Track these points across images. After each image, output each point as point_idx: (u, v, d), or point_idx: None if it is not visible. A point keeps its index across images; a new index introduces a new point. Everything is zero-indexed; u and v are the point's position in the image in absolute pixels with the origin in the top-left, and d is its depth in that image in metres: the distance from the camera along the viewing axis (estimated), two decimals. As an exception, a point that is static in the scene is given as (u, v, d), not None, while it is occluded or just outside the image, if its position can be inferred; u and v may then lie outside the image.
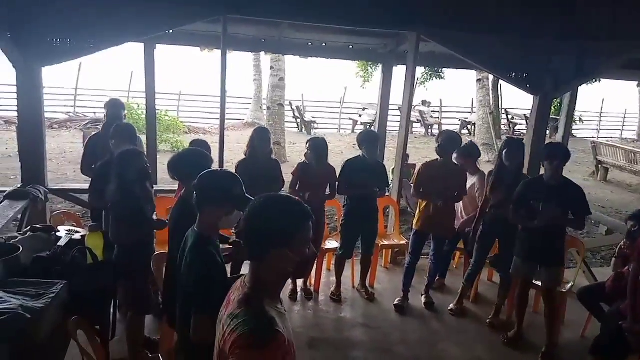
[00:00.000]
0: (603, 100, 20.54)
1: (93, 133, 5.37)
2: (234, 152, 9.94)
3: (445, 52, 6.68)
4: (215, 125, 16.09)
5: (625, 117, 21.93)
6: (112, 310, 3.05)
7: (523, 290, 4.31)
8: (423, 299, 4.89)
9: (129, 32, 4.67)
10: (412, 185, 5.04)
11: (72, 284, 2.68)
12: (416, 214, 4.81)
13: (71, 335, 2.38)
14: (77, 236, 3.28)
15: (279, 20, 5.31)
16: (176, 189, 4.55)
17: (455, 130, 5.29)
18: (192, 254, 2.15)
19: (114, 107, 4.68)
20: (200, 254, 2.14)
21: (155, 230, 3.51)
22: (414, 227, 4.81)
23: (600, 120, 21.75)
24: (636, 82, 18.78)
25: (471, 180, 4.85)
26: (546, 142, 4.73)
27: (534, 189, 4.09)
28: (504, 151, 4.42)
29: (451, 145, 4.59)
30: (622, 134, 21.32)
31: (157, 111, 6.41)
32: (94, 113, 15.91)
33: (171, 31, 5.62)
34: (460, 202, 4.89)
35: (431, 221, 4.62)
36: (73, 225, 3.93)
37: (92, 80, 17.43)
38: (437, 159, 4.67)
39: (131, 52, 6.49)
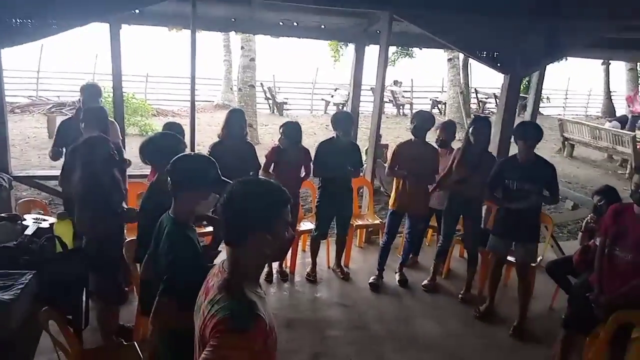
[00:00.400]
0: (569, 78, 20.98)
1: (65, 118, 5.13)
2: (205, 134, 9.79)
3: (417, 31, 6.67)
4: (184, 107, 15.81)
5: (590, 95, 22.46)
6: (83, 299, 2.99)
7: (497, 266, 4.41)
8: (397, 277, 4.97)
9: (93, 11, 4.49)
10: (385, 165, 5.06)
11: (42, 274, 2.61)
12: (392, 194, 4.85)
13: (42, 326, 2.32)
14: (44, 224, 3.18)
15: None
16: (147, 173, 4.47)
17: (429, 111, 5.36)
18: (169, 238, 2.11)
19: (91, 94, 4.43)
20: (177, 238, 2.10)
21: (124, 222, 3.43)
22: (390, 207, 4.85)
23: (566, 98, 22.24)
24: (601, 61, 19.26)
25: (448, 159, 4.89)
26: (517, 121, 4.79)
27: (509, 168, 4.18)
28: (471, 129, 4.51)
29: (425, 125, 4.62)
30: (587, 112, 21.85)
31: (124, 94, 6.24)
32: (58, 97, 15.39)
33: (137, 11, 5.47)
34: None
35: (407, 200, 4.67)
36: (40, 213, 3.81)
37: (54, 63, 16.82)
38: (411, 139, 4.69)
39: (95, 32, 6.28)
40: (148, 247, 2.37)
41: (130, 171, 4.93)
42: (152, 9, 5.31)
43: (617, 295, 3.17)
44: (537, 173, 4.06)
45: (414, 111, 17.17)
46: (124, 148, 4.84)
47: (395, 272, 5.01)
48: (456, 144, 5.01)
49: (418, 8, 5.14)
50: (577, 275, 4.09)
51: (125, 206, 3.38)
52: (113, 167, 3.21)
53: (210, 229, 4.46)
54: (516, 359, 3.90)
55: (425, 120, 4.64)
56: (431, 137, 4.82)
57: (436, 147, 4.87)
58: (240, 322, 1.42)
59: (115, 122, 4.75)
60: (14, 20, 4.23)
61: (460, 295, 4.74)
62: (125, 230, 3.49)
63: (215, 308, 1.48)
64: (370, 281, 4.87)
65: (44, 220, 3.28)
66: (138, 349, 2.78)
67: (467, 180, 4.49)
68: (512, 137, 4.31)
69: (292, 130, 4.57)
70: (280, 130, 4.63)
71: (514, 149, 4.44)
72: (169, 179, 2.19)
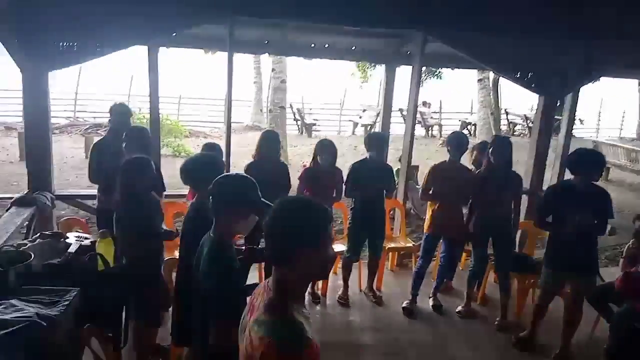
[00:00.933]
0: (602, 99, 20.56)
1: (97, 139, 5.30)
2: (236, 155, 9.85)
3: (448, 51, 6.67)
4: (215, 128, 16.08)
5: (624, 117, 21.95)
6: (124, 317, 3.02)
7: (544, 300, 4.19)
8: (431, 302, 4.87)
9: (135, 35, 4.66)
10: (418, 187, 5.01)
11: (85, 291, 2.65)
12: (427, 217, 4.80)
13: (85, 343, 2.36)
14: (86, 242, 3.25)
15: (285, 20, 5.28)
16: (183, 193, 4.53)
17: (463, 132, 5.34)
18: (210, 260, 2.13)
19: (121, 114, 4.61)
20: (218, 260, 2.12)
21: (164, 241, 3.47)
22: (425, 230, 4.79)
23: (599, 120, 21.78)
24: (637, 81, 18.86)
25: None
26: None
27: (567, 196, 3.93)
28: (491, 149, 4.42)
29: (462, 146, 4.58)
30: (620, 134, 21.33)
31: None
32: (94, 118, 15.88)
33: (174, 34, 5.62)
34: None
35: (442, 223, 4.61)
36: (79, 231, 3.90)
37: (91, 85, 17.40)
38: (445, 160, 4.65)
39: (131, 54, 6.46)
40: (188, 267, 2.39)
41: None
42: (188, 31, 5.46)
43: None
44: (595, 200, 3.83)
45: (443, 132, 17.15)
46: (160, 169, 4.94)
47: (429, 297, 4.92)
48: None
49: (452, 28, 5.14)
50: (619, 303, 3.95)
51: (164, 227, 3.42)
52: (152, 189, 3.26)
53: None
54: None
55: (461, 141, 4.60)
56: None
57: (471, 168, 4.80)
58: (293, 348, 1.42)
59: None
60: (60, 44, 4.42)
61: (496, 322, 4.61)
62: (164, 250, 3.52)
63: (262, 329, 1.48)
64: (403, 306, 4.79)
65: (86, 238, 3.36)
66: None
67: (494, 202, 4.41)
68: (569, 166, 3.96)
69: (330, 147, 4.55)
70: (317, 148, 4.59)
71: (548, 172, 4.30)
72: (210, 198, 2.21)
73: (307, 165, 4.69)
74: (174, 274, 3.36)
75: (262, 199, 2.21)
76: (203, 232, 2.31)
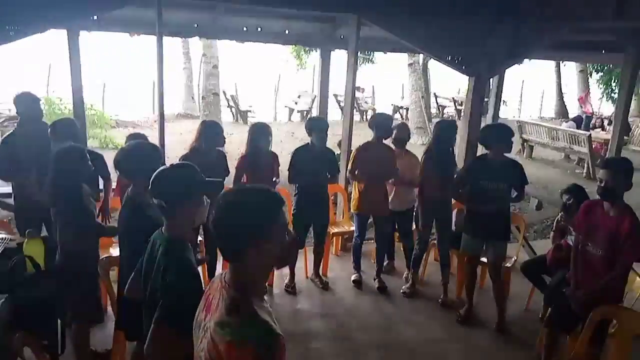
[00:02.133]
0: (523, 81, 21.66)
1: (6, 134, 4.82)
2: (168, 145, 9.49)
3: (382, 35, 6.72)
4: (146, 117, 15.39)
5: (543, 97, 23.26)
6: (59, 322, 2.80)
7: (471, 267, 4.44)
8: (376, 284, 4.93)
9: (52, 18, 4.29)
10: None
11: (14, 298, 2.42)
12: (352, 197, 4.88)
13: (17, 353, 2.16)
14: (12, 244, 2.97)
15: (215, 2, 5.07)
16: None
17: (386, 113, 5.48)
18: (167, 260, 1.97)
19: (29, 103, 4.16)
20: (175, 260, 1.97)
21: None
22: (353, 210, 4.89)
23: (521, 101, 22.95)
24: (553, 64, 20.02)
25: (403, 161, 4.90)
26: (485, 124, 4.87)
27: (479, 168, 4.24)
28: (436, 132, 4.58)
29: (383, 127, 4.70)
30: (540, 113, 22.60)
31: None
32: (9, 110, 14.68)
33: (96, 17, 5.26)
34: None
35: (369, 202, 4.71)
36: (1, 233, 3.58)
37: (4, 74, 16.07)
38: (368, 141, 4.77)
39: (48, 41, 5.98)
40: (132, 266, 2.23)
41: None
42: (112, 14, 5.12)
43: (591, 290, 3.24)
44: (507, 172, 4.14)
45: (376, 116, 17.43)
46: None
47: (374, 279, 4.98)
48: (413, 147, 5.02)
49: (386, 11, 5.15)
50: (551, 274, 4.18)
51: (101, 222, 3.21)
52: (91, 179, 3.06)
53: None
54: (499, 360, 3.92)
55: (384, 122, 4.76)
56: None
57: (391, 147, 4.90)
58: (266, 350, 1.37)
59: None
60: (-32, 29, 3.99)
61: (439, 300, 4.74)
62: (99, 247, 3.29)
63: (230, 333, 1.39)
64: (352, 279, 4.93)
65: (11, 240, 3.07)
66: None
67: (437, 184, 4.55)
68: (481, 141, 4.33)
69: (265, 132, 4.46)
70: (251, 132, 4.50)
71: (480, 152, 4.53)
72: (155, 200, 2.05)
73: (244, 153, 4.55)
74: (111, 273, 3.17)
75: (207, 179, 2.10)
76: (140, 226, 2.16)
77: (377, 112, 17.67)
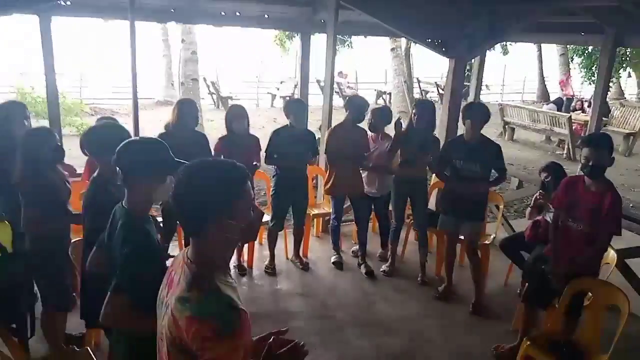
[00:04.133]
0: (505, 66, 21.79)
1: None
2: (147, 133, 9.38)
3: (361, 19, 6.68)
4: (123, 105, 15.15)
5: (525, 82, 23.45)
6: (28, 306, 2.75)
7: (450, 244, 4.47)
8: (363, 269, 4.90)
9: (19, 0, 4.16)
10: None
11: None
12: (325, 179, 4.89)
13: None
14: (-23, 228, 2.91)
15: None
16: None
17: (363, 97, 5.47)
18: (123, 231, 1.93)
19: None
20: (133, 231, 1.93)
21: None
22: (325, 192, 4.92)
23: (504, 85, 23.11)
24: (535, 48, 20.15)
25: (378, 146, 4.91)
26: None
27: (456, 148, 4.27)
28: (414, 112, 4.59)
29: (358, 109, 4.71)
30: (522, 97, 22.78)
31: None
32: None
33: (68, 2, 5.13)
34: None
35: (343, 183, 4.73)
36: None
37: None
38: (341, 123, 4.77)
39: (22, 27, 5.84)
40: (93, 243, 2.19)
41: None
42: (84, -2, 5.02)
43: (572, 264, 3.28)
44: (483, 152, 4.16)
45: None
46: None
47: (359, 265, 4.98)
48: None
49: (364, -7, 5.11)
50: (529, 250, 4.23)
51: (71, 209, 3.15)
52: (60, 161, 2.99)
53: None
54: (477, 336, 3.96)
55: (359, 103, 4.77)
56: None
57: (365, 129, 4.90)
58: (227, 324, 1.33)
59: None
60: None
61: (418, 278, 4.78)
62: (71, 231, 3.24)
63: (190, 308, 1.36)
64: (332, 260, 4.96)
65: (-24, 223, 3.00)
66: (92, 354, 2.60)
67: (414, 161, 4.56)
68: (460, 117, 4.37)
69: (240, 114, 4.43)
70: (227, 115, 4.48)
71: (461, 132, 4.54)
72: (117, 169, 2.01)
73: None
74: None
75: (177, 159, 2.04)
76: (105, 208, 2.11)
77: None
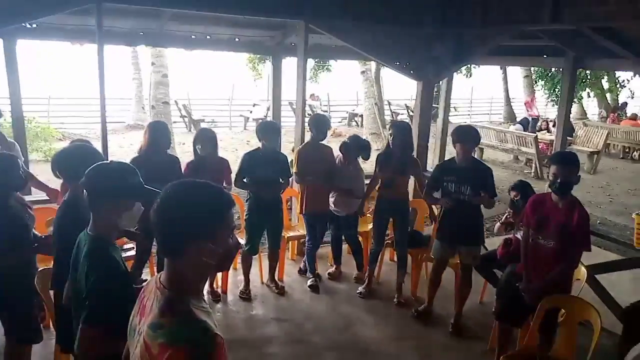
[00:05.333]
0: (472, 88, 22.37)
1: None
2: (118, 157, 9.24)
3: (332, 43, 6.78)
4: (93, 129, 14.87)
5: (492, 103, 24.09)
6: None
7: (438, 270, 4.44)
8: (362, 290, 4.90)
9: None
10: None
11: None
12: (298, 199, 4.93)
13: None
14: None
15: (159, 7, 4.95)
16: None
17: (322, 114, 5.59)
18: (89, 258, 1.87)
19: None
20: (99, 259, 1.87)
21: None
22: (299, 212, 4.97)
23: (471, 107, 23.68)
24: (500, 71, 20.76)
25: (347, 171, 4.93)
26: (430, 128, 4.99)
27: (447, 171, 4.26)
28: (390, 133, 4.63)
29: (321, 127, 4.84)
30: (490, 118, 23.35)
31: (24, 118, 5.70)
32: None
33: (34, 25, 5.05)
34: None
35: (312, 201, 4.80)
36: None
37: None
38: (308, 142, 4.88)
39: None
40: (63, 265, 2.12)
41: (34, 197, 4.51)
42: (51, 22, 4.94)
43: (544, 281, 3.33)
44: (474, 175, 4.15)
45: (332, 125, 17.55)
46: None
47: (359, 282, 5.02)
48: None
49: (333, 18, 5.20)
50: (501, 268, 4.27)
51: (38, 233, 3.04)
52: (20, 190, 2.90)
53: (130, 252, 4.17)
54: (455, 356, 3.97)
55: (322, 121, 4.92)
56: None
57: (331, 147, 5.04)
58: (202, 350, 1.29)
59: (17, 143, 4.36)
60: None
61: (395, 299, 4.76)
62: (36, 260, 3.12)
63: (163, 334, 1.32)
64: (308, 284, 4.92)
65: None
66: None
67: (392, 184, 4.59)
68: (452, 139, 4.34)
69: (208, 136, 4.43)
70: (196, 139, 4.45)
71: (430, 154, 4.59)
72: (84, 191, 1.96)
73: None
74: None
75: (146, 186, 2.00)
76: (76, 230, 2.05)
77: (331, 120, 17.84)
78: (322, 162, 4.81)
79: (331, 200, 4.93)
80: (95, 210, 1.95)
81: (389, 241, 5.04)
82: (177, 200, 1.40)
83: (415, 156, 5.14)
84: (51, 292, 2.74)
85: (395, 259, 5.07)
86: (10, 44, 4.89)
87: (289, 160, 4.90)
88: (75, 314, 1.93)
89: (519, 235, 4.05)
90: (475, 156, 13.49)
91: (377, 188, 4.81)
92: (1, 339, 3.01)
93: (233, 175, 4.57)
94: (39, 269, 2.97)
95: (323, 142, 5.00)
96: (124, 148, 11.30)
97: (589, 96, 19.10)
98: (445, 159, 5.06)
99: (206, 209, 1.39)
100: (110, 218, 1.96)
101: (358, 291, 4.88)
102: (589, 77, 15.65)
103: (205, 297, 4.52)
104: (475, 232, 4.26)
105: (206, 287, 4.62)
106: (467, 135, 4.18)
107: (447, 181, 4.18)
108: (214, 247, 1.40)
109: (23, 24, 4.77)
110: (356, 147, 4.87)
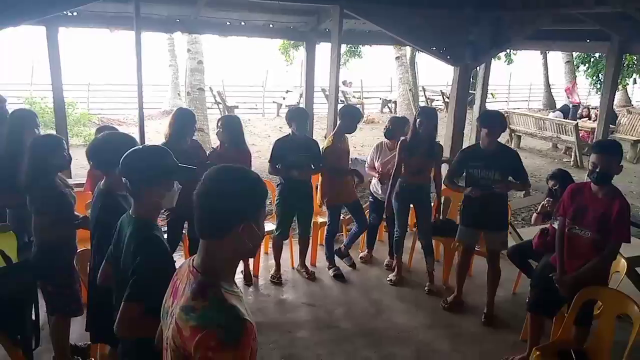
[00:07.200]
0: (510, 74, 21.76)
1: None
2: (154, 142, 9.44)
3: (366, 28, 6.70)
4: (130, 115, 15.23)
5: (531, 89, 23.37)
6: (33, 317, 2.74)
7: (465, 257, 4.42)
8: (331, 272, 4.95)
9: (25, 10, 4.19)
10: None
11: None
12: (319, 190, 4.84)
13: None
14: (-19, 239, 2.92)
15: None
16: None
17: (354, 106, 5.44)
18: (137, 240, 1.92)
19: None
20: (145, 239, 1.93)
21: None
22: (321, 203, 4.89)
23: (509, 94, 23.05)
24: (541, 56, 20.11)
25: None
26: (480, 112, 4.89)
27: (472, 157, 4.19)
28: (418, 119, 4.52)
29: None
30: (529, 105, 22.69)
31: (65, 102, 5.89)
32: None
33: (75, 13, 5.19)
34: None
35: (335, 192, 4.73)
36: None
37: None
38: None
39: (31, 40, 5.88)
40: (101, 256, 2.18)
41: (75, 181, 4.66)
42: (91, 9, 5.05)
43: (580, 273, 3.23)
44: (501, 160, 4.08)
45: (365, 111, 17.45)
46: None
47: (329, 269, 5.01)
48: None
49: (368, 2, 5.13)
50: (537, 259, 4.17)
51: (79, 214, 3.15)
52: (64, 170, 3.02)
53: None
54: (486, 346, 3.91)
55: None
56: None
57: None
58: (231, 335, 1.31)
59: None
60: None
61: (425, 288, 4.73)
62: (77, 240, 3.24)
63: (194, 318, 1.35)
64: (331, 274, 4.93)
65: (-20, 234, 3.01)
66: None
67: (418, 170, 4.54)
68: (478, 124, 4.30)
69: (231, 122, 4.40)
70: (219, 124, 4.40)
71: (466, 142, 4.51)
72: (124, 179, 2.01)
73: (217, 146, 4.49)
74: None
75: (181, 165, 2.05)
76: (113, 220, 2.11)
77: (365, 106, 17.68)
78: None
79: (374, 182, 5.00)
80: (137, 195, 2.00)
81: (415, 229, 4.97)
82: (228, 182, 1.44)
83: (448, 143, 5.05)
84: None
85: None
86: (52, 31, 5.05)
87: (322, 149, 4.88)
88: (118, 295, 1.99)
89: (555, 225, 3.94)
90: (513, 144, 13.29)
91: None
92: (43, 317, 3.13)
93: (265, 162, 4.58)
94: (78, 250, 3.07)
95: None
96: (161, 133, 11.45)
97: (635, 82, 18.27)
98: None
99: (253, 191, 1.45)
100: (152, 200, 2.01)
101: (388, 278, 4.86)
102: (635, 62, 14.96)
103: (239, 280, 4.65)
104: (500, 218, 4.20)
105: (239, 269, 4.70)
106: (494, 120, 4.11)
107: (473, 167, 4.11)
108: (255, 229, 1.45)
109: (64, 12, 4.89)
110: (399, 127, 4.91)
